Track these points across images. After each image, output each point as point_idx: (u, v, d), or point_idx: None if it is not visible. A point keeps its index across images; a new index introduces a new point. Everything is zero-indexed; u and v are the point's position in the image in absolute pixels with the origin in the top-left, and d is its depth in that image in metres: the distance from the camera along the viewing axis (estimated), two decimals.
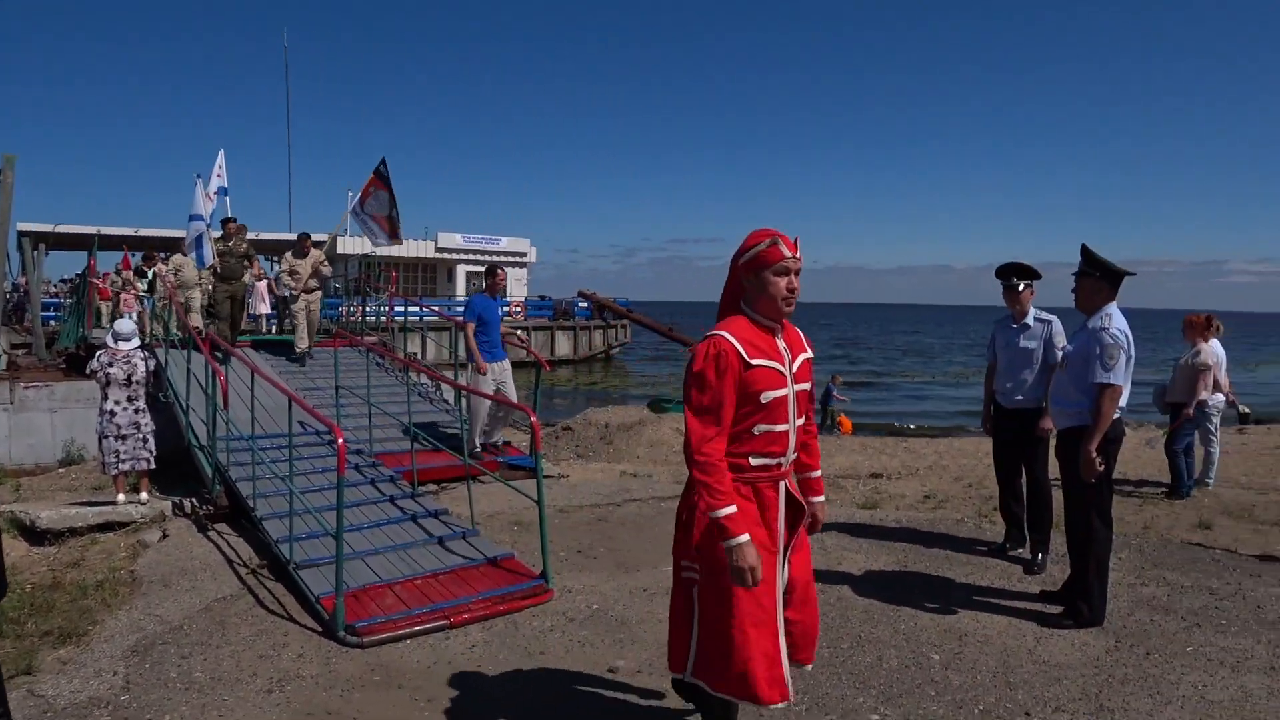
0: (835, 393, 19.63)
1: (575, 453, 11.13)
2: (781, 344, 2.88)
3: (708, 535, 2.82)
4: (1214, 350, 7.95)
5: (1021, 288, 5.56)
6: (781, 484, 2.93)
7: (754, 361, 2.77)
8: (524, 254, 45.46)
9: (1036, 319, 5.61)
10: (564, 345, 39.64)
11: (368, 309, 15.81)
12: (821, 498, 3.15)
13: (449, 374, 11.20)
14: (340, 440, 4.91)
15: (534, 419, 5.75)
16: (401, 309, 15.19)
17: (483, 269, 9.55)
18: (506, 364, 8.77)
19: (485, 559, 5.63)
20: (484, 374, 8.30)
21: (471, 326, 8.44)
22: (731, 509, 2.71)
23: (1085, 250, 4.59)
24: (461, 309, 10.20)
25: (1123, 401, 4.49)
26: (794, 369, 2.88)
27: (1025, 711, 3.68)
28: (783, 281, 2.82)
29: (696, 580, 2.94)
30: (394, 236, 11.63)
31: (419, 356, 15.25)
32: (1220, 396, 8.07)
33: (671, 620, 3.13)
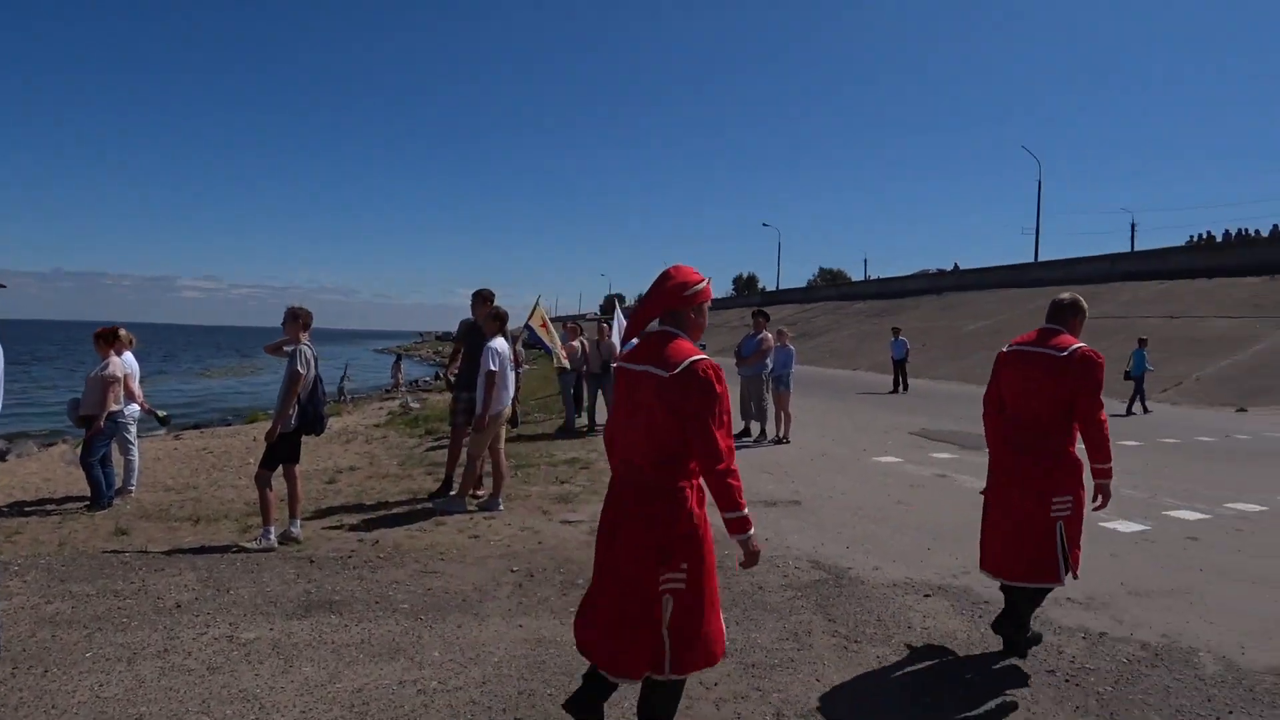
0: None
1: None
2: None
3: (694, 540, 3.10)
4: (126, 362, 8.22)
5: None
6: None
7: None
8: None
9: None
10: None
11: None
12: None
13: None
14: None
15: None
16: None
17: None
18: None
19: None
20: None
21: None
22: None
23: None
24: None
25: None
26: None
27: None
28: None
29: (681, 588, 3.08)
30: None
31: None
32: (135, 406, 8.39)
33: (623, 640, 3.11)
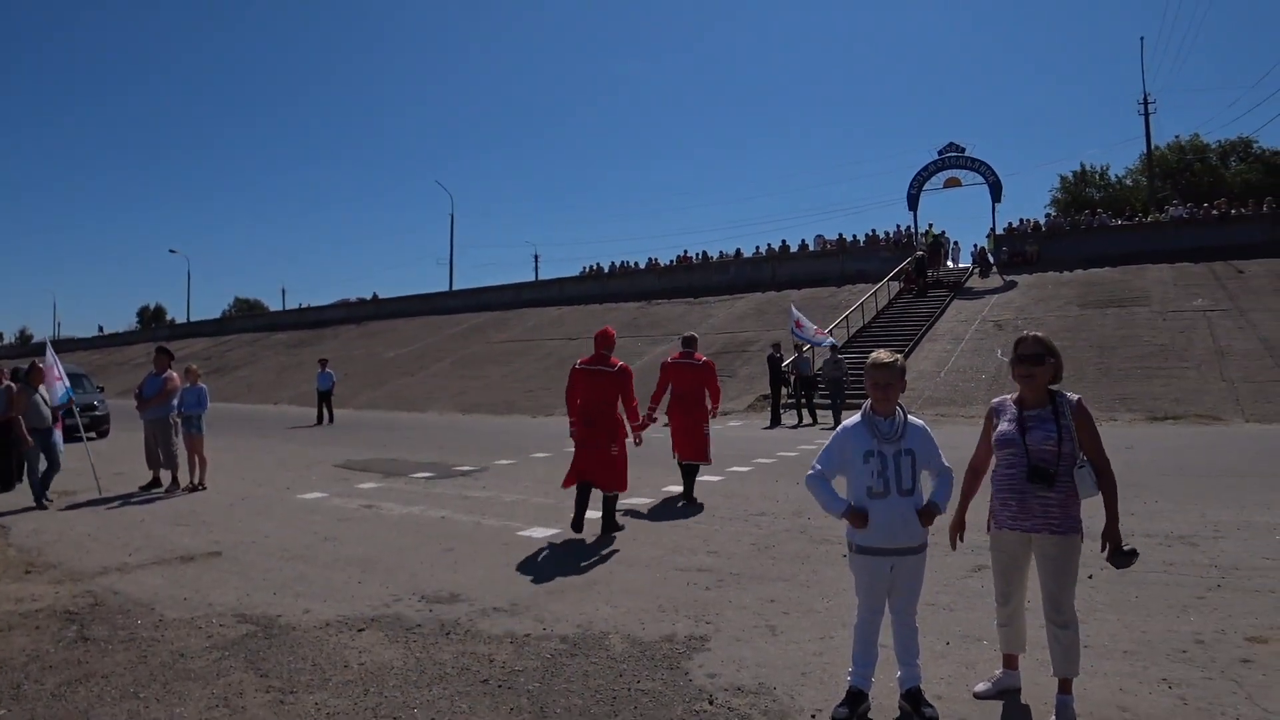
0: None
1: None
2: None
3: (620, 433, 8.21)
4: None
5: None
6: None
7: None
8: None
9: None
10: None
11: None
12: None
13: None
14: None
15: None
16: None
17: None
18: None
19: None
20: None
21: None
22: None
23: None
24: None
25: None
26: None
27: None
28: None
29: (616, 453, 8.04)
30: None
31: None
32: None
33: (604, 472, 8.00)
